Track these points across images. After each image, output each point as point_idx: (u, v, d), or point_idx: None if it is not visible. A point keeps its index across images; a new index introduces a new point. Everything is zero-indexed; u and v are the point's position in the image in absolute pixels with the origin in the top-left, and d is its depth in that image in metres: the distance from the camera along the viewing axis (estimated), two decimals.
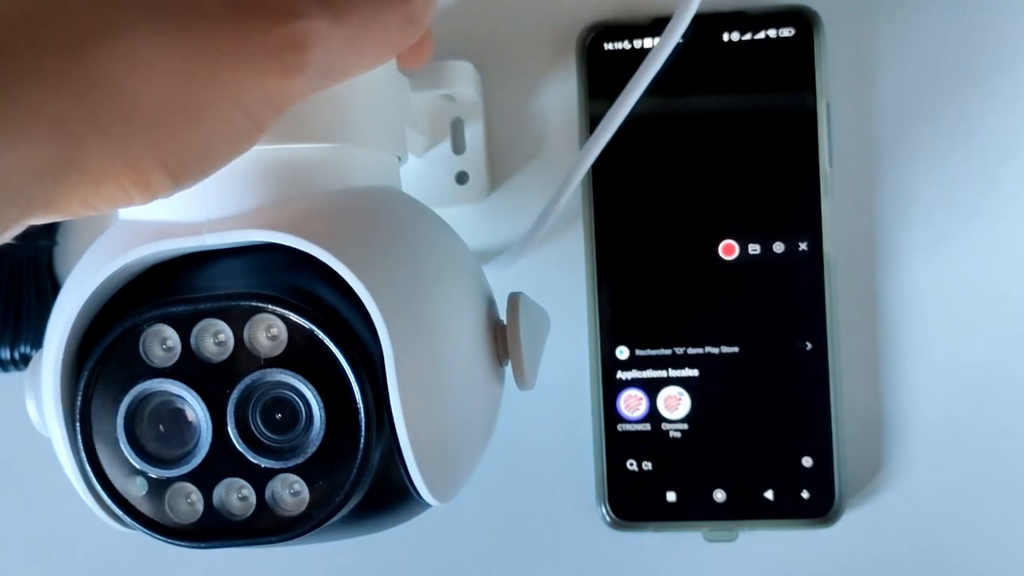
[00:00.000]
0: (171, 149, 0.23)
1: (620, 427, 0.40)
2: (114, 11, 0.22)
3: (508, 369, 0.33)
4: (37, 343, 0.44)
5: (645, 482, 0.40)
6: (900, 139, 0.40)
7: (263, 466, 0.28)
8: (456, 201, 0.41)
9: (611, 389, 0.40)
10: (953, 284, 0.40)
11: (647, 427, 0.40)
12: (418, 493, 0.30)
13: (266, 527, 0.28)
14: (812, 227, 0.39)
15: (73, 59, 0.21)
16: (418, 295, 0.29)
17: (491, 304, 0.33)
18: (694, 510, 0.40)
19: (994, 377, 0.40)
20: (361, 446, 0.28)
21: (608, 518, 0.41)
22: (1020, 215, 0.39)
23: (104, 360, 0.28)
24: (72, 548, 0.45)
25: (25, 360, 0.44)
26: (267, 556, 0.43)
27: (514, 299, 0.32)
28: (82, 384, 0.28)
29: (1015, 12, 0.39)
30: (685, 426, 0.40)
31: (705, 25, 0.39)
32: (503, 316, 0.33)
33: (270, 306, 0.28)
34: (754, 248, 0.40)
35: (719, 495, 0.40)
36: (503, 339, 0.32)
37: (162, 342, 0.28)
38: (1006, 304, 0.40)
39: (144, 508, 0.29)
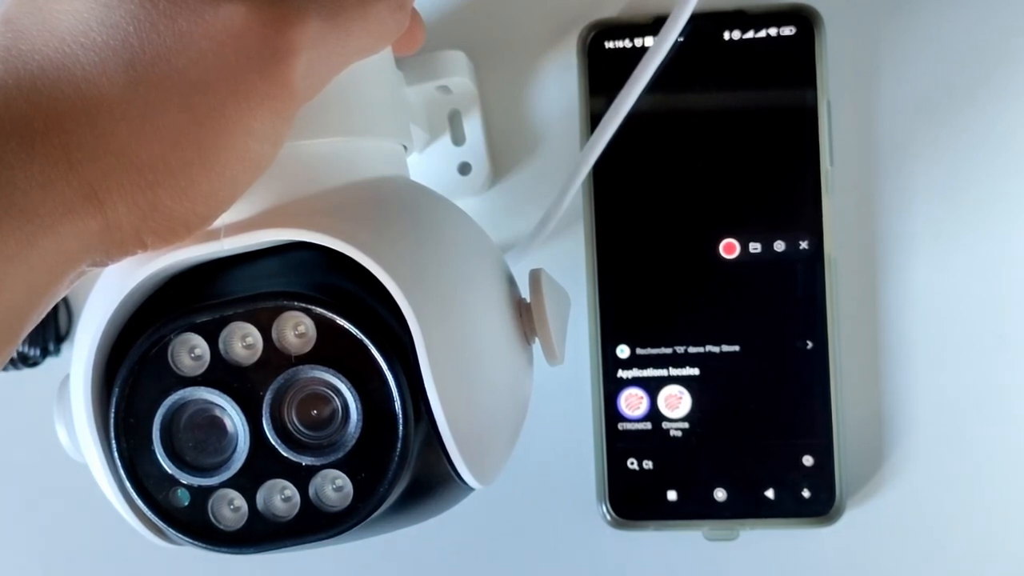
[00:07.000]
0: (196, 196, 0.24)
1: (621, 426, 0.40)
2: (110, 84, 0.23)
3: (535, 347, 0.33)
4: (35, 340, 0.43)
5: (646, 481, 0.40)
6: (901, 138, 0.40)
7: (304, 464, 0.28)
8: (461, 192, 0.41)
9: (612, 388, 0.40)
10: (954, 282, 0.40)
11: (648, 426, 0.40)
12: (461, 477, 0.30)
13: (313, 525, 0.28)
14: (813, 226, 0.39)
15: (92, 134, 0.23)
16: (442, 279, 0.29)
17: (512, 283, 0.33)
18: (695, 509, 0.40)
19: (995, 375, 0.40)
20: (400, 435, 0.28)
21: (608, 517, 0.40)
22: (1021, 213, 0.39)
23: (134, 375, 0.28)
24: (70, 547, 0.45)
25: (23, 358, 0.44)
26: (262, 561, 0.43)
27: (536, 275, 0.32)
28: (114, 401, 0.28)
29: (1016, 10, 0.39)
30: (686, 425, 0.40)
31: (706, 24, 0.39)
32: (524, 296, 0.33)
33: (296, 303, 0.27)
34: (755, 247, 0.40)
35: (720, 494, 0.40)
36: (528, 317, 0.32)
37: (190, 350, 0.28)
38: (1007, 302, 0.40)
39: (189, 519, 0.29)
